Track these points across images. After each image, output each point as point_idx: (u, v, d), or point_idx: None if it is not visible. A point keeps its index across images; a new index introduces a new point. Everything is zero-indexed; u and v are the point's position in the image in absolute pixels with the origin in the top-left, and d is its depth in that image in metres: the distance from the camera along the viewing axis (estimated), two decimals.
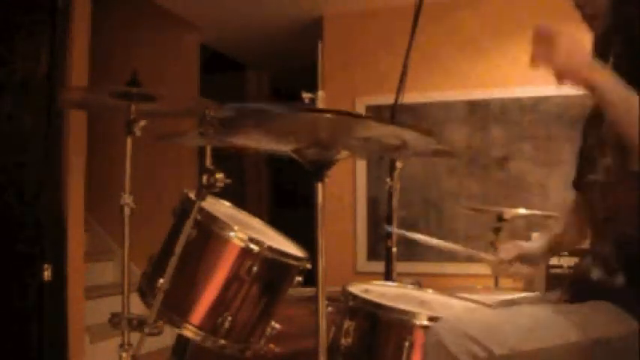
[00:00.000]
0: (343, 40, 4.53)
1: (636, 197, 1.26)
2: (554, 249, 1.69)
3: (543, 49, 1.18)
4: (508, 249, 1.64)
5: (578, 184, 1.56)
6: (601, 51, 1.38)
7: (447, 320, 1.25)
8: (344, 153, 1.32)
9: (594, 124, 1.42)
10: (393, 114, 2.32)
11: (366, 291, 1.56)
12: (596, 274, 1.35)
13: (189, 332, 1.74)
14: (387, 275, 2.37)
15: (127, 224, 2.12)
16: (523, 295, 2.09)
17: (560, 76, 1.20)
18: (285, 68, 6.10)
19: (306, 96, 1.29)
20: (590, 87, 1.19)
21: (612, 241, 1.34)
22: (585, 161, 1.47)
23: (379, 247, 4.20)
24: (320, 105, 1.28)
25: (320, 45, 1.37)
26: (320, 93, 1.29)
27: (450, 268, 4.02)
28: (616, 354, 1.21)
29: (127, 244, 2.12)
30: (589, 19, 1.40)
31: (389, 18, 4.35)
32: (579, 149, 1.53)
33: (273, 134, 1.36)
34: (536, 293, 1.56)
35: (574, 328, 1.23)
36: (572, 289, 1.43)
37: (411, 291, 1.73)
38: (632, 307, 1.25)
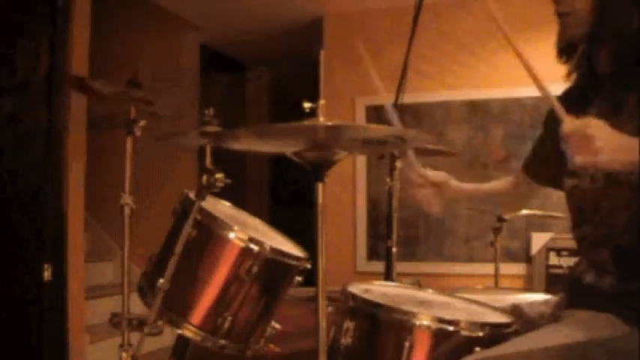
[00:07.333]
0: (343, 40, 4.52)
1: (628, 203, 1.26)
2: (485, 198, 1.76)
3: (583, 149, 1.15)
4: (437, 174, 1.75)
5: (553, 178, 1.56)
6: (568, 52, 1.42)
7: None
8: (343, 154, 1.32)
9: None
10: None
11: (367, 291, 1.56)
12: (589, 278, 1.36)
13: (189, 332, 1.74)
14: (387, 275, 2.37)
15: (127, 224, 2.12)
16: (528, 297, 2.08)
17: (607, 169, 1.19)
18: (286, 68, 6.10)
19: (306, 105, 1.29)
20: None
21: (609, 249, 1.33)
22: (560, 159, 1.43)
23: (379, 247, 4.20)
24: (321, 112, 1.28)
25: (322, 52, 1.36)
26: (321, 102, 1.29)
27: (450, 268, 4.02)
28: (614, 355, 1.21)
29: (127, 244, 2.12)
30: (561, 15, 1.40)
31: (389, 18, 4.35)
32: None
33: (272, 139, 1.37)
34: (550, 297, 1.55)
35: (576, 328, 1.24)
36: (569, 293, 1.44)
37: (411, 291, 1.72)
38: (623, 312, 1.26)
